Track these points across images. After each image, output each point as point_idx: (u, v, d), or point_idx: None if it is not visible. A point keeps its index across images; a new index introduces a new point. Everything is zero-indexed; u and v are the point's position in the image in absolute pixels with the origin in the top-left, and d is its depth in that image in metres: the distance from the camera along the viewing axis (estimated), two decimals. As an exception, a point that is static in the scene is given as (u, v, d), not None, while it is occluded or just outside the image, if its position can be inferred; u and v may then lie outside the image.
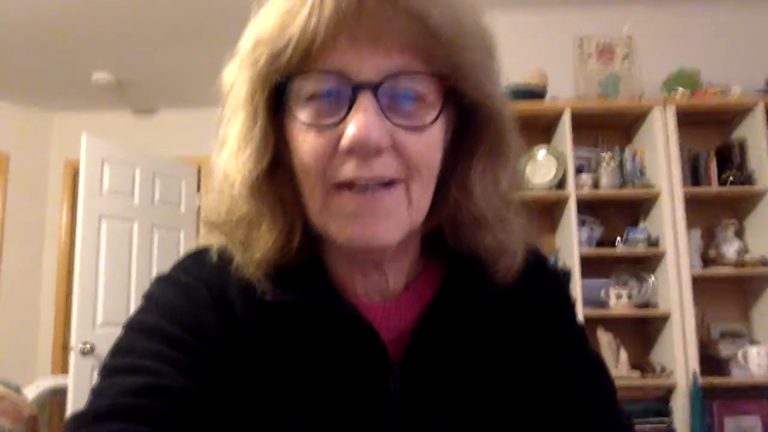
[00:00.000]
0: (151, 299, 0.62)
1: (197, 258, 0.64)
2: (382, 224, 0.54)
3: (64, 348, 4.42)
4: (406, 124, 0.53)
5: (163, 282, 0.64)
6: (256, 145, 0.56)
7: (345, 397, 0.59)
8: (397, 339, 0.61)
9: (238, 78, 0.57)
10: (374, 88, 0.51)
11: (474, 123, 0.59)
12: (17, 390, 1.43)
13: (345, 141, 0.51)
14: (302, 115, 0.54)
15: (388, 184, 0.54)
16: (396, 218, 0.55)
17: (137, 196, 4.01)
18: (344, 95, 0.52)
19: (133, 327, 0.59)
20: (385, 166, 0.53)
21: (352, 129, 0.51)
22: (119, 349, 0.58)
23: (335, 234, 0.55)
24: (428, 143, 0.55)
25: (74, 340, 3.44)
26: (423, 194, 0.56)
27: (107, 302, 3.63)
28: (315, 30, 0.50)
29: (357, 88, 0.51)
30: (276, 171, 0.58)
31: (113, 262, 3.75)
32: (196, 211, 4.53)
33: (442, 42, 0.52)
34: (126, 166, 3.94)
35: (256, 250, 0.58)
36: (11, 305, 4.43)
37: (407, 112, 0.53)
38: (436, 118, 0.54)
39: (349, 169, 0.53)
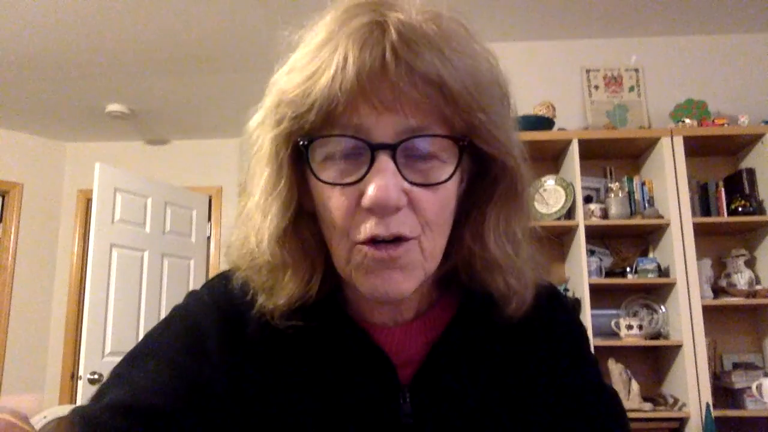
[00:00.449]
0: (173, 312, 0.67)
1: (226, 279, 0.68)
2: (399, 278, 0.56)
3: (73, 377, 4.41)
4: (422, 182, 0.55)
5: (188, 298, 0.69)
6: (282, 201, 0.58)
7: (357, 417, 0.61)
8: (410, 363, 0.63)
9: (262, 133, 0.60)
10: (392, 148, 0.54)
11: (489, 174, 0.61)
12: (26, 419, 1.43)
13: (365, 201, 0.53)
14: (324, 174, 0.56)
15: (402, 238, 0.56)
16: (412, 271, 0.57)
17: (149, 226, 4.04)
18: (363, 155, 0.54)
19: (148, 337, 0.65)
20: (401, 223, 0.55)
21: (372, 190, 0.53)
22: (130, 355, 0.63)
23: (359, 284, 0.58)
24: (443, 198, 0.57)
25: (82, 370, 3.44)
26: (436, 245, 0.58)
27: (116, 332, 3.63)
28: (336, 94, 0.52)
29: (375, 149, 0.54)
30: (299, 222, 0.60)
31: (123, 291, 3.76)
32: (206, 241, 4.56)
33: (458, 106, 0.54)
34: (138, 195, 3.98)
35: (279, 298, 0.61)
36: (21, 333, 4.44)
37: (423, 170, 0.55)
38: (451, 176, 0.56)
39: (368, 228, 0.55)
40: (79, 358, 3.60)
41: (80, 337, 3.67)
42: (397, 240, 0.55)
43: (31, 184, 4.65)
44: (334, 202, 0.56)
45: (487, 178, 0.61)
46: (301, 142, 0.56)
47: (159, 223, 4.13)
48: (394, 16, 0.54)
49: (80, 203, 4.75)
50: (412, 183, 0.54)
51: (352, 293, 0.65)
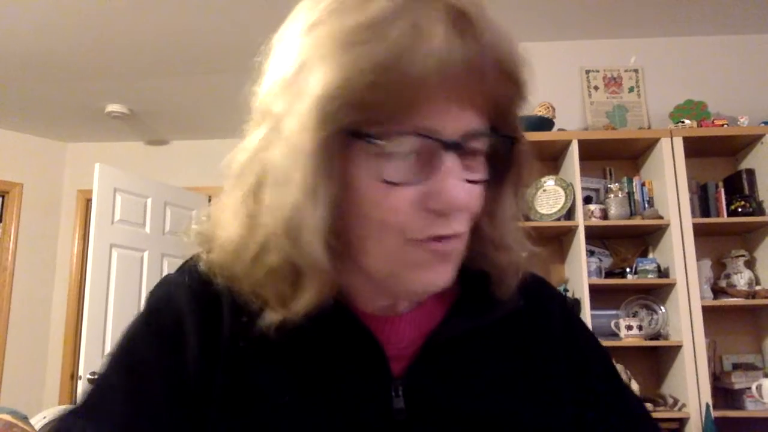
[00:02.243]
0: (143, 314, 0.64)
1: (197, 263, 0.65)
2: (449, 269, 0.56)
3: (72, 378, 4.42)
4: (476, 179, 0.54)
5: (162, 288, 0.66)
6: (331, 198, 0.51)
7: (345, 409, 0.59)
8: (403, 358, 0.62)
9: (301, 122, 0.50)
10: (458, 147, 0.51)
11: (505, 158, 0.60)
12: (25, 419, 1.43)
13: (439, 204, 0.51)
14: (386, 172, 0.50)
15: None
16: (457, 261, 0.57)
17: (149, 226, 4.04)
18: (427, 152, 0.51)
19: (119, 347, 0.62)
20: (461, 221, 0.54)
21: (448, 193, 0.51)
22: (103, 372, 0.62)
23: (407, 281, 0.55)
24: (482, 191, 0.57)
25: (82, 370, 3.44)
26: (467, 233, 0.58)
27: (116, 332, 3.63)
28: (431, 81, 0.47)
29: (444, 148, 0.51)
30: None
31: (123, 291, 3.76)
32: (206, 241, 4.56)
33: (517, 101, 0.55)
34: (138, 195, 3.98)
35: (300, 306, 0.55)
36: (21, 334, 4.44)
37: (472, 166, 0.55)
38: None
39: (433, 228, 0.52)
40: (78, 358, 3.61)
41: (80, 337, 3.67)
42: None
43: (31, 184, 4.66)
44: (392, 201, 0.51)
45: (504, 163, 0.60)
46: (368, 140, 0.49)
47: (159, 223, 4.13)
48: None
49: (80, 203, 4.75)
50: (470, 181, 0.53)
51: (357, 281, 0.60)
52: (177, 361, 0.59)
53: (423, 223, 0.52)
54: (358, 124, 0.49)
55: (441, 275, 0.55)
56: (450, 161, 0.51)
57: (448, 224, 0.53)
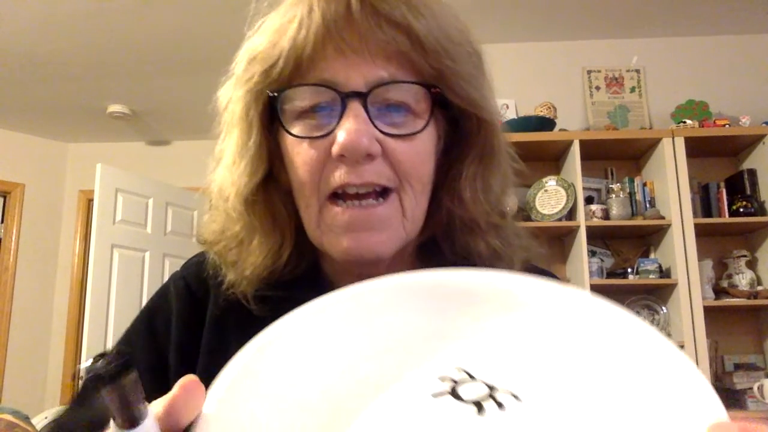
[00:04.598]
0: (142, 312, 0.68)
1: (202, 257, 0.67)
2: (376, 236, 0.55)
3: (74, 378, 4.41)
4: (395, 132, 0.54)
5: (168, 282, 0.69)
6: (251, 158, 0.57)
7: None
8: None
9: (233, 96, 0.60)
10: (363, 97, 0.53)
11: (463, 131, 0.60)
12: (27, 419, 1.44)
13: (335, 147, 0.52)
14: (295, 128, 0.55)
15: (381, 194, 0.55)
16: (390, 230, 0.56)
17: (150, 226, 4.04)
18: (334, 106, 0.54)
19: (119, 340, 0.66)
20: (375, 174, 0.54)
21: (341, 135, 0.52)
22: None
23: (331, 247, 0.57)
24: (418, 151, 0.56)
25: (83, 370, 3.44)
26: (417, 205, 0.58)
27: (117, 332, 3.62)
28: (304, 41, 0.53)
29: (346, 98, 0.53)
30: (269, 186, 0.59)
31: (125, 291, 3.76)
32: (207, 241, 4.55)
33: (425, 51, 0.54)
34: (139, 196, 3.98)
35: (246, 267, 0.59)
36: (23, 334, 4.45)
37: (396, 120, 0.55)
38: (425, 126, 0.56)
39: (339, 176, 0.54)
40: (80, 359, 3.61)
41: (81, 337, 3.67)
42: (375, 195, 0.55)
43: (32, 184, 4.66)
44: (303, 155, 0.55)
45: (462, 137, 0.60)
46: (270, 95, 0.55)
47: (160, 223, 4.13)
48: None
49: (81, 204, 4.76)
50: (385, 133, 0.54)
51: (329, 267, 0.64)
52: (163, 360, 0.62)
53: (331, 174, 0.54)
54: (268, 86, 0.55)
55: (362, 243, 0.55)
56: (352, 110, 0.53)
57: (355, 172, 0.53)
